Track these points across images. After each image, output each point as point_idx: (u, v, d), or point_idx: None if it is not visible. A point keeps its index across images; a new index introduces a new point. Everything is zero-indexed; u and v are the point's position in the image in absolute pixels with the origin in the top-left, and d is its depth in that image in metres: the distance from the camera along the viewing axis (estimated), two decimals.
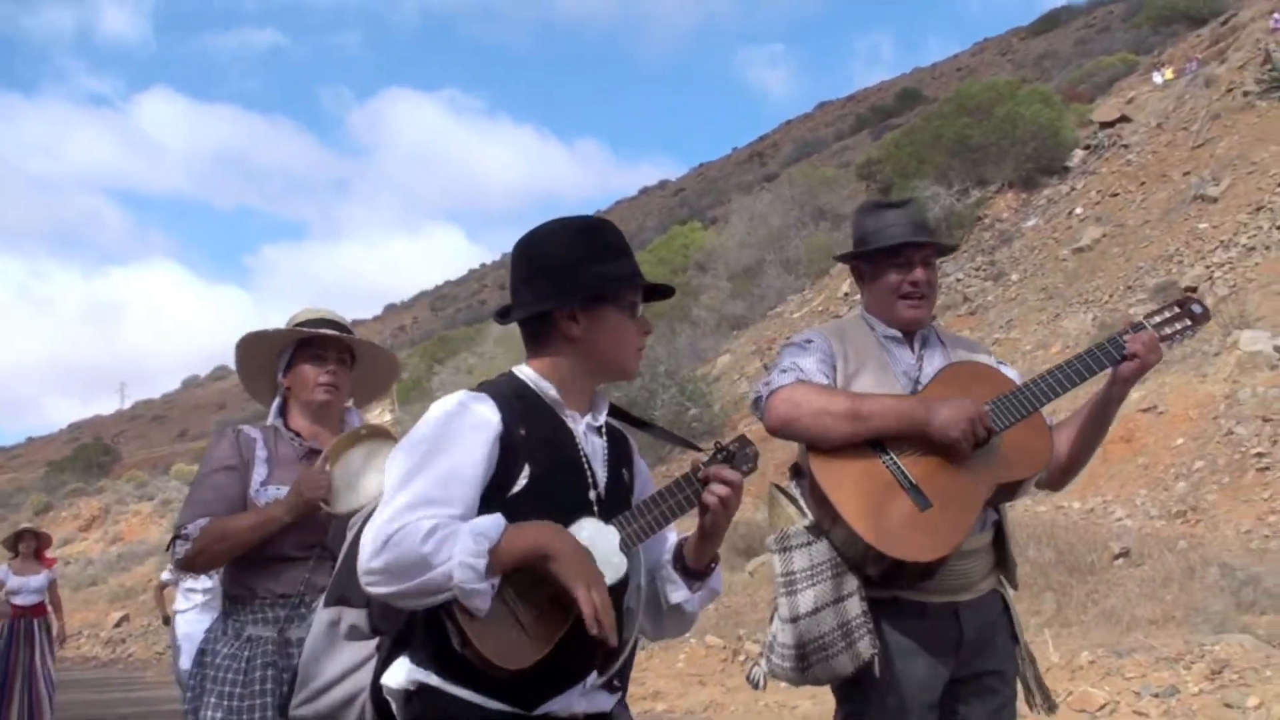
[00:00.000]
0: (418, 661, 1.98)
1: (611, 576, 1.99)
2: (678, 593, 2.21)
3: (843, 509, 2.68)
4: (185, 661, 7.77)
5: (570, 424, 2.14)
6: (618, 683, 2.12)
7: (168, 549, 3.27)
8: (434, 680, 1.95)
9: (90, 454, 53.42)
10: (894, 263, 2.94)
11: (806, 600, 2.72)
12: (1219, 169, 19.51)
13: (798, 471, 2.93)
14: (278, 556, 3.03)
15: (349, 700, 2.13)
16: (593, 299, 2.13)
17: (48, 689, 9.65)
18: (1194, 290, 15.41)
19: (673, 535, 2.25)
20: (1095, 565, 10.18)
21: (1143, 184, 21.29)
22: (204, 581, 7.81)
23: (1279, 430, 12.07)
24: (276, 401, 3.29)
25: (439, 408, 2.06)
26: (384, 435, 3.11)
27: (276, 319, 3.36)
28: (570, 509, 2.05)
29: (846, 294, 23.38)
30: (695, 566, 2.20)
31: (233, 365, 3.40)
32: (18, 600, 9.71)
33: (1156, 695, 7.20)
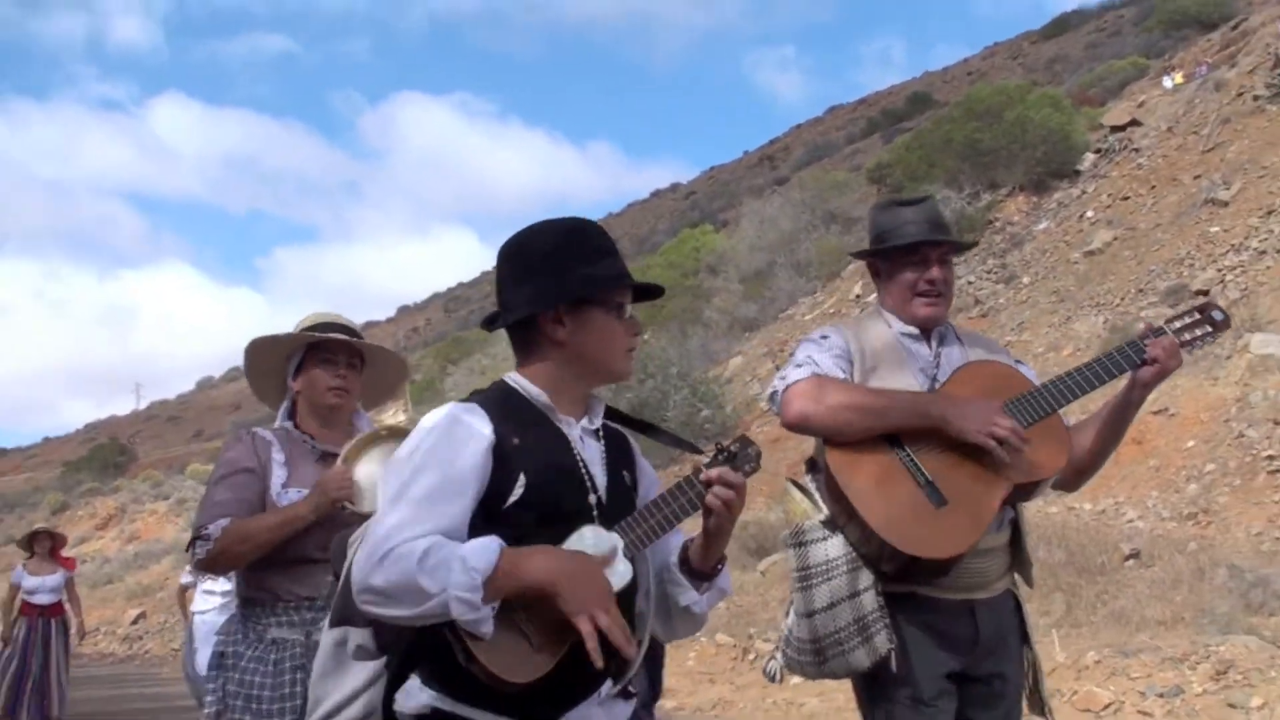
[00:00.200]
0: (426, 681, 1.93)
1: (617, 584, 1.96)
2: (685, 595, 2.16)
3: (858, 504, 2.67)
4: (202, 661, 7.81)
5: (565, 429, 2.10)
6: (633, 689, 2.10)
7: (187, 550, 3.22)
8: (446, 704, 1.91)
9: (106, 454, 53.59)
10: (910, 260, 2.93)
11: (822, 595, 2.71)
12: (1229, 173, 19.50)
13: (813, 466, 2.92)
14: (300, 558, 3.02)
15: None
16: (577, 302, 2.08)
17: (59, 691, 9.65)
18: (1206, 294, 15.43)
19: (678, 536, 2.20)
20: (1105, 566, 10.22)
21: (1153, 188, 21.29)
22: (223, 583, 7.80)
23: None
24: (285, 405, 3.28)
25: (428, 421, 2.02)
26: (402, 436, 3.12)
27: (289, 321, 3.39)
28: (570, 516, 2.02)
29: (858, 296, 23.42)
30: (701, 568, 2.15)
31: None
32: (35, 600, 9.72)
33: (1161, 695, 7.24)
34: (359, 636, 2.04)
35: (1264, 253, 16.60)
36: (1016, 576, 2.94)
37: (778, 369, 3.03)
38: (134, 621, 24.28)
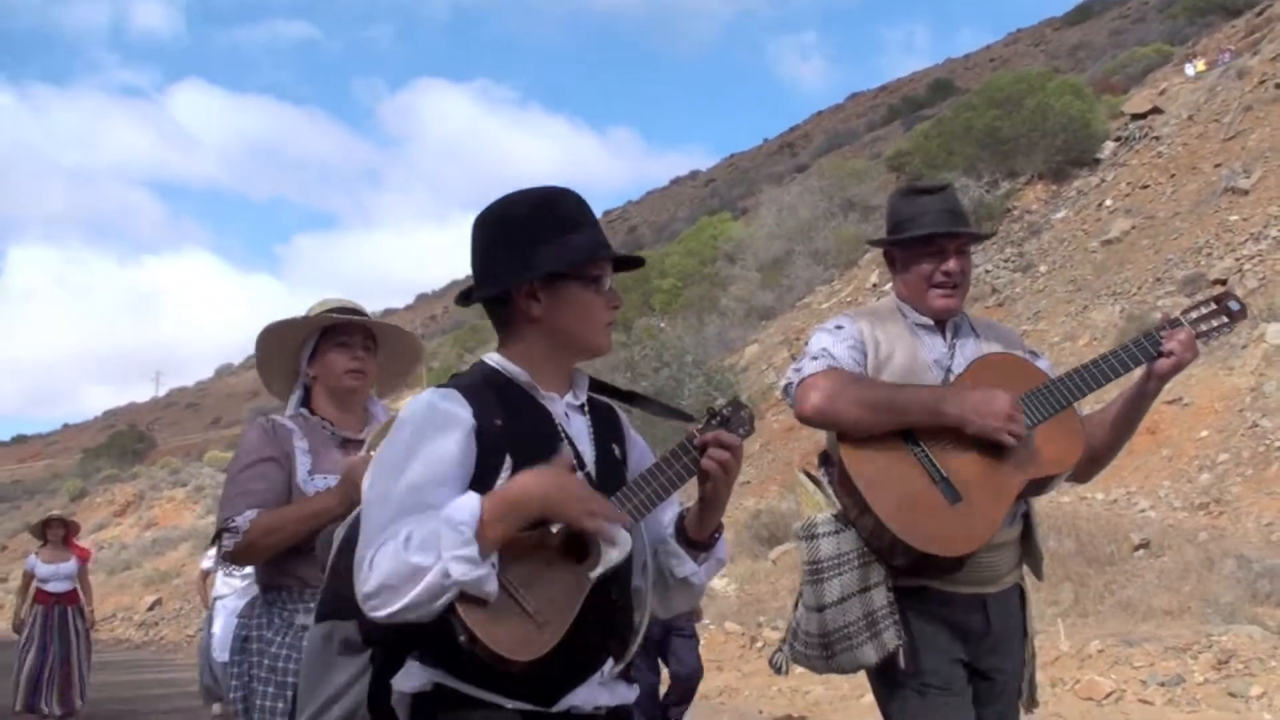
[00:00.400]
0: (426, 665, 1.89)
1: (618, 554, 1.91)
2: (683, 566, 2.12)
3: (871, 499, 2.65)
4: (221, 645, 7.78)
5: (548, 406, 2.06)
6: (635, 672, 2.08)
7: (213, 542, 3.16)
8: (450, 681, 1.87)
9: (125, 441, 54.12)
10: (927, 251, 2.89)
11: (832, 589, 2.70)
12: (1250, 161, 19.33)
13: (826, 459, 2.90)
14: None
15: (349, 716, 2.04)
16: (552, 276, 2.02)
17: (81, 683, 9.67)
18: (1223, 283, 15.32)
19: (673, 508, 2.17)
20: (1115, 556, 10.20)
21: (1173, 176, 21.12)
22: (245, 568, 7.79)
23: None
24: (298, 392, 3.24)
25: (406, 411, 1.96)
26: None
27: (309, 308, 3.39)
28: None
29: (875, 284, 23.36)
30: (698, 537, 2.11)
31: None
32: (49, 587, 9.70)
33: (1162, 684, 7.26)
34: (345, 629, 1.99)
35: None
36: (1025, 569, 2.93)
37: (793, 358, 2.99)
38: (150, 608, 24.44)
